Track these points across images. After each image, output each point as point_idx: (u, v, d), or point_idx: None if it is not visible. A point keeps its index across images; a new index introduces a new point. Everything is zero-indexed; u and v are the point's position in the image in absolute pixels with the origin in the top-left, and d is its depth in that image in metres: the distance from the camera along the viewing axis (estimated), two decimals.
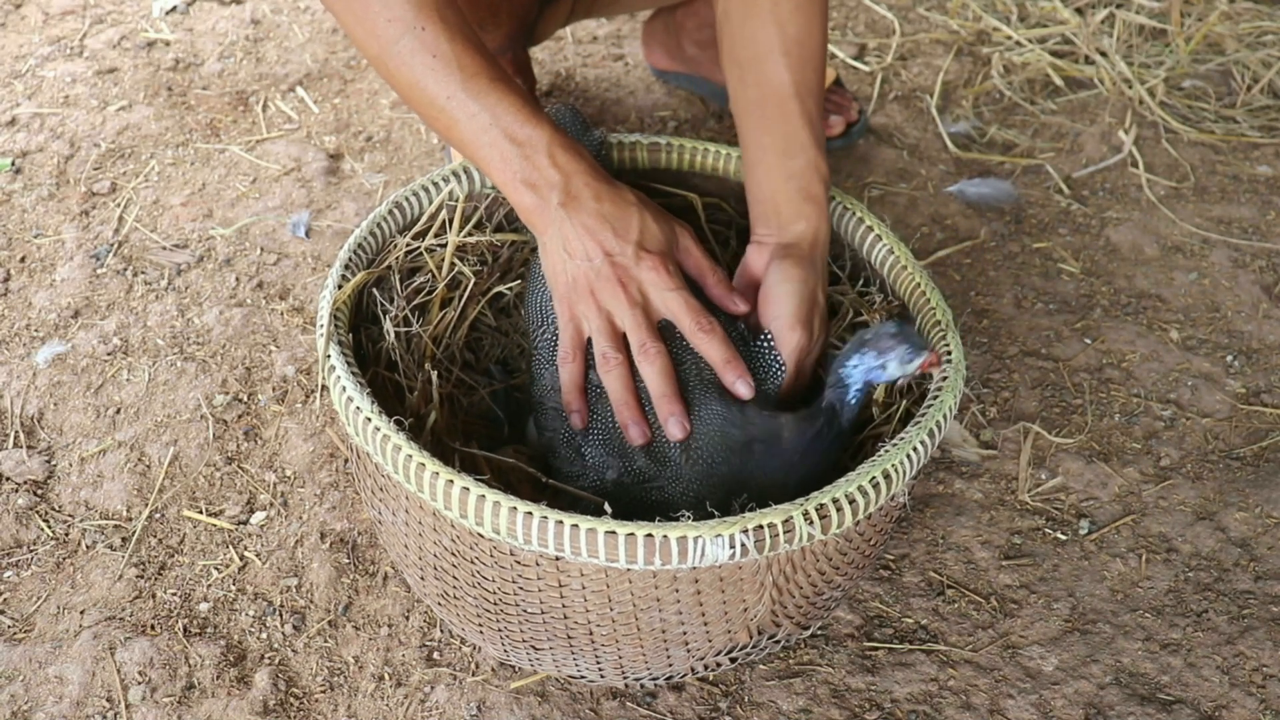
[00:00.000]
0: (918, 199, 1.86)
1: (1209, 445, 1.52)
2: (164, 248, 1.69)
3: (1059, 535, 1.41)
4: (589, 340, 1.16)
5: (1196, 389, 1.59)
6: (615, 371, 1.14)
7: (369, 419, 1.02)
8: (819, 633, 1.29)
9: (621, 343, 1.14)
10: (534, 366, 1.22)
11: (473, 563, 1.05)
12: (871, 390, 1.13)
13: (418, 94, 1.11)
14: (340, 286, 1.16)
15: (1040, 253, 1.79)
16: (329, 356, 1.09)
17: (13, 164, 1.80)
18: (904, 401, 1.19)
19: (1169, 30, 2.18)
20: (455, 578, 1.09)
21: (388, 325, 1.21)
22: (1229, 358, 1.64)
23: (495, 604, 1.09)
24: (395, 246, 1.25)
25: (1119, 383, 1.59)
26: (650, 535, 0.94)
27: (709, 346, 1.14)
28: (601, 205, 1.13)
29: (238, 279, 1.64)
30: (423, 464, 0.99)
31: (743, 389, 1.14)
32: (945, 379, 1.11)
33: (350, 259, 1.19)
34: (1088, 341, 1.65)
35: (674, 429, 1.12)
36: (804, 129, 1.24)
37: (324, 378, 1.09)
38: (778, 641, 1.17)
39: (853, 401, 1.11)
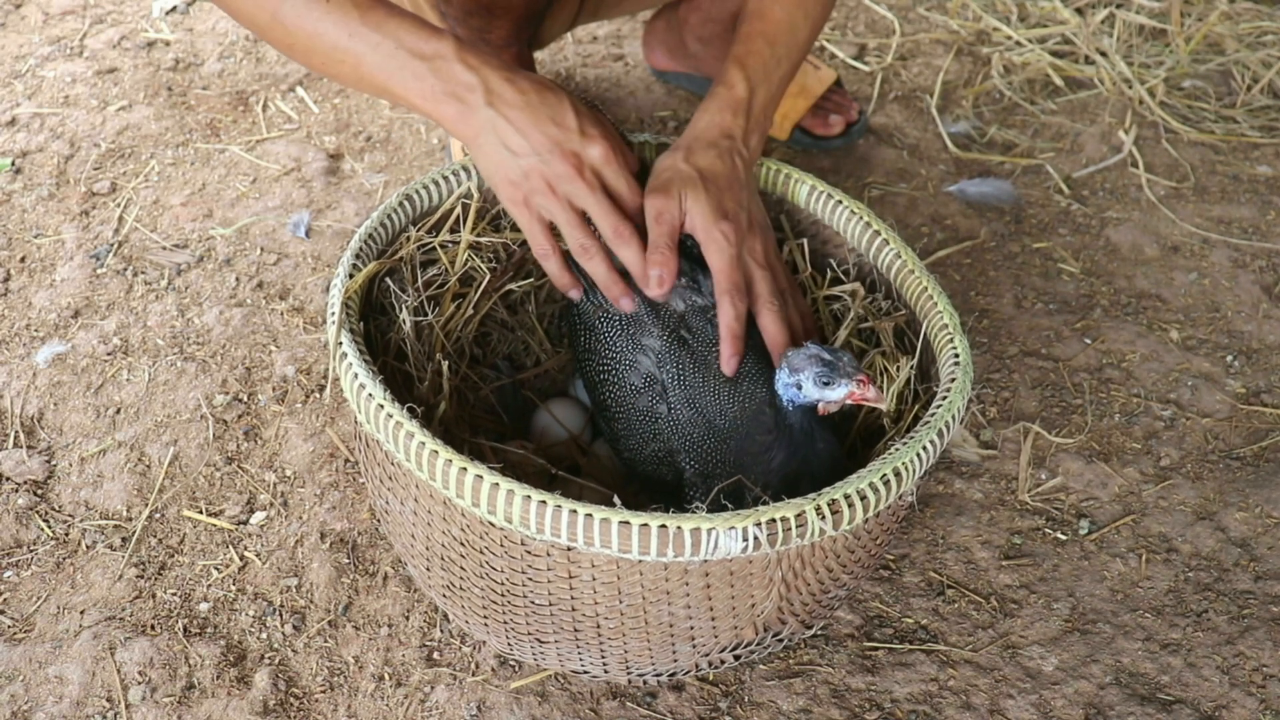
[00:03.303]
0: (918, 199, 1.86)
1: (1209, 445, 1.52)
2: (164, 248, 1.69)
3: (1059, 535, 1.41)
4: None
5: (1196, 389, 1.59)
6: (597, 258, 1.17)
7: (381, 405, 1.02)
8: (819, 633, 1.29)
9: (591, 227, 1.17)
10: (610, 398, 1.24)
11: (482, 552, 1.05)
12: (810, 409, 1.11)
13: (318, 43, 1.11)
14: (351, 275, 1.16)
15: (1040, 253, 1.79)
16: (341, 344, 1.09)
17: (13, 164, 1.80)
18: (915, 407, 1.19)
19: (1169, 30, 2.18)
20: (463, 568, 1.10)
21: (404, 313, 1.21)
22: (1229, 358, 1.64)
23: (503, 595, 1.09)
24: (408, 239, 1.25)
25: (1119, 383, 1.59)
26: (664, 526, 0.94)
27: (730, 359, 1.18)
28: (529, 97, 1.13)
29: (238, 279, 1.64)
30: (435, 451, 0.99)
31: (656, 288, 1.16)
32: (954, 381, 1.11)
33: (361, 249, 1.19)
34: (1088, 341, 1.65)
35: (654, 286, 1.15)
36: (757, 62, 1.26)
37: (335, 366, 1.09)
38: (781, 640, 1.17)
39: (789, 409, 1.11)
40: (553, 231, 1.18)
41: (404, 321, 1.21)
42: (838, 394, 1.08)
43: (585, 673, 1.19)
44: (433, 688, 1.22)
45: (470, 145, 1.16)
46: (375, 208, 1.36)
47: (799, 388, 1.09)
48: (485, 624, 1.15)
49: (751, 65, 1.27)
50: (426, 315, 1.25)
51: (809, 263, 1.35)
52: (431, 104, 1.13)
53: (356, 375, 1.06)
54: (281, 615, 1.28)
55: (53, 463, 1.41)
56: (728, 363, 1.17)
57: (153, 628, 1.25)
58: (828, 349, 1.09)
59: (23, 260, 1.66)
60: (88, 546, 1.33)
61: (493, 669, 1.23)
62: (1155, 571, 1.38)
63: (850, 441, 1.26)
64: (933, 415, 1.08)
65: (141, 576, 1.30)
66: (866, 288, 1.30)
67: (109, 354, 1.53)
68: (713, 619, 1.08)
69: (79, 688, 1.20)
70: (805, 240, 1.35)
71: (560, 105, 1.15)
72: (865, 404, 1.10)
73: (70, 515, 1.36)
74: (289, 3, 1.10)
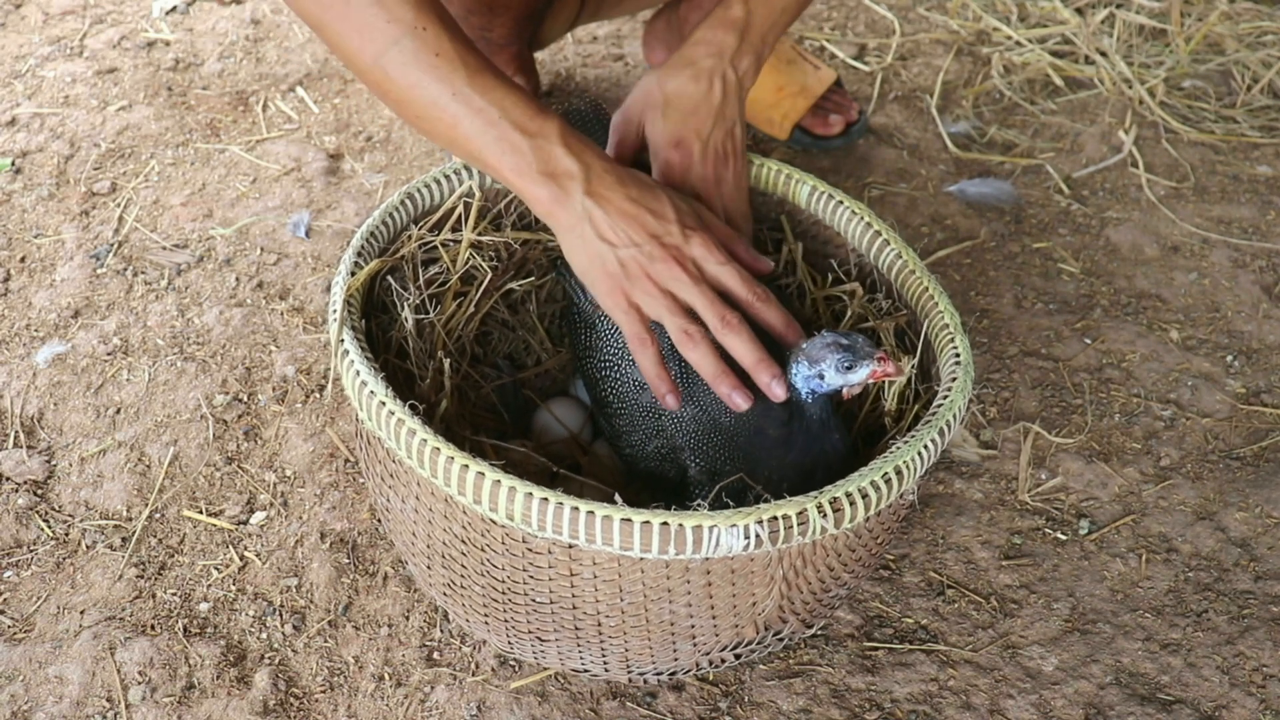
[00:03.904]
0: (918, 199, 1.86)
1: (1209, 445, 1.52)
2: (164, 248, 1.69)
3: (1059, 535, 1.41)
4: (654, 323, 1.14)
5: (1196, 389, 1.59)
6: (702, 346, 1.11)
7: (383, 402, 1.02)
8: (819, 633, 1.29)
9: (695, 317, 1.12)
10: (606, 391, 1.23)
11: (483, 550, 1.06)
12: (827, 398, 1.12)
13: (417, 94, 1.08)
14: (353, 273, 1.16)
15: (1040, 253, 1.79)
16: (342, 340, 1.09)
17: (13, 164, 1.80)
18: (915, 406, 1.19)
19: (1169, 30, 2.18)
20: (464, 566, 1.10)
21: (406, 310, 1.21)
22: (1229, 358, 1.64)
23: (503, 593, 1.09)
24: (410, 237, 1.25)
25: (1119, 383, 1.59)
26: (665, 524, 0.94)
27: (767, 313, 1.14)
28: (629, 190, 1.11)
29: (238, 279, 1.64)
30: (437, 448, 0.99)
31: (778, 390, 1.12)
32: (955, 380, 1.11)
33: (362, 247, 1.19)
34: (1088, 341, 1.65)
35: (778, 390, 1.11)
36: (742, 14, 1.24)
37: (336, 363, 1.09)
38: (782, 639, 1.17)
39: (809, 401, 1.11)
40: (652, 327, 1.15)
41: (406, 319, 1.21)
42: (860, 375, 1.08)
43: (585, 671, 1.19)
44: (433, 688, 1.22)
45: (562, 232, 1.13)
46: (375, 207, 1.36)
47: (821, 378, 1.09)
48: (486, 622, 1.15)
49: None
50: (428, 313, 1.25)
51: (809, 263, 1.35)
52: (526, 181, 1.10)
53: (358, 372, 1.06)
54: (281, 615, 1.28)
55: (53, 463, 1.41)
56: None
57: (153, 628, 1.25)
58: (841, 334, 1.09)
59: (23, 260, 1.66)
60: (88, 546, 1.33)
61: (493, 669, 1.23)
62: (1155, 571, 1.38)
63: (851, 440, 1.26)
64: (934, 414, 1.08)
65: (141, 576, 1.30)
66: (867, 288, 1.30)
67: (109, 354, 1.53)
68: (714, 617, 1.08)
69: (79, 688, 1.20)
70: (803, 242, 1.35)
71: (659, 200, 1.12)
72: (886, 379, 1.10)
73: (70, 515, 1.36)
74: (397, 46, 1.06)
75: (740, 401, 1.11)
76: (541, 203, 1.11)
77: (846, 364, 1.08)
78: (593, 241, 1.11)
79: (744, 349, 1.11)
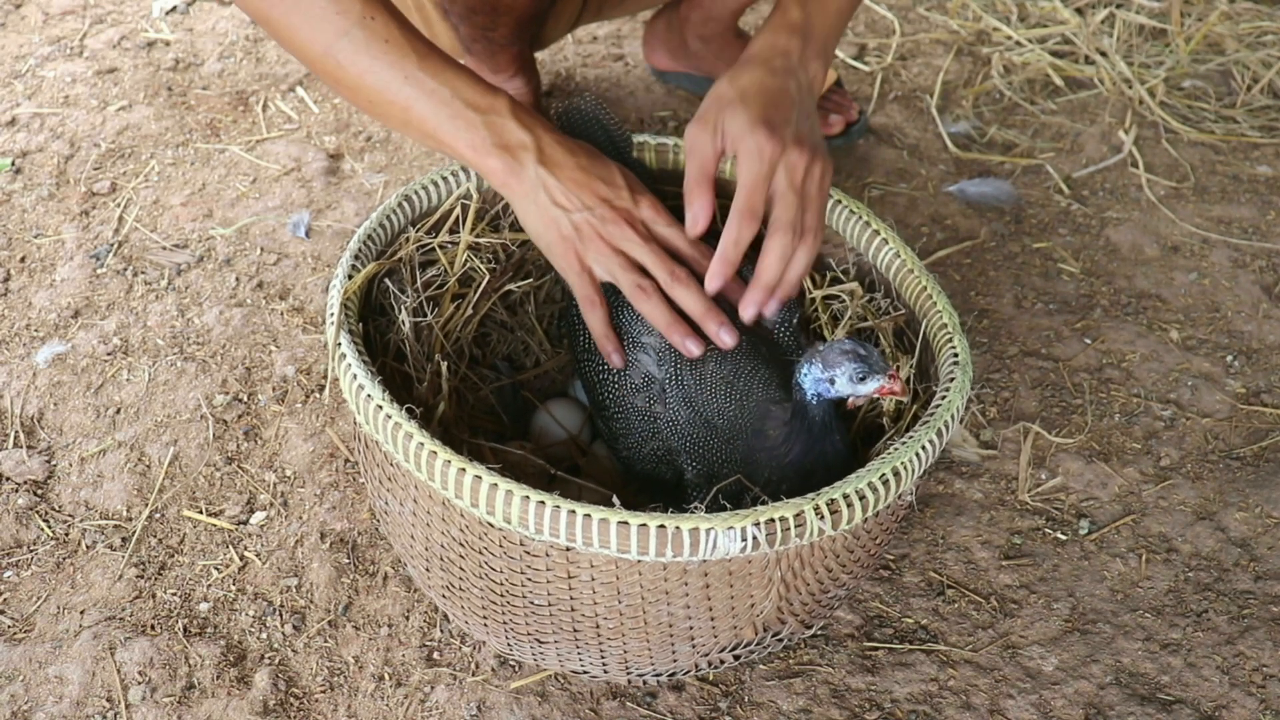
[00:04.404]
0: (918, 199, 1.86)
1: (1209, 445, 1.52)
2: (164, 248, 1.69)
3: (1059, 535, 1.41)
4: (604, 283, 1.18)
5: (1196, 389, 1.59)
6: (654, 298, 1.15)
7: (380, 406, 1.03)
8: (819, 633, 1.29)
9: (646, 274, 1.16)
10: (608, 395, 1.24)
11: (481, 553, 1.06)
12: (832, 403, 1.12)
13: (370, 80, 1.12)
14: (350, 276, 1.16)
15: (1040, 253, 1.79)
16: (339, 344, 1.09)
17: (13, 164, 1.80)
18: (914, 406, 1.19)
19: (1169, 30, 2.18)
20: (462, 569, 1.10)
21: (403, 314, 1.22)
22: (1229, 358, 1.64)
23: (502, 596, 1.09)
24: (408, 239, 1.25)
25: (1119, 383, 1.59)
26: (662, 526, 0.94)
27: (714, 278, 1.16)
28: (579, 159, 1.15)
29: (238, 279, 1.64)
30: (434, 452, 0.99)
31: (726, 337, 1.16)
32: (953, 380, 1.11)
33: (360, 249, 1.19)
34: (1088, 341, 1.65)
35: (726, 337, 1.15)
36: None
37: (334, 366, 1.09)
38: (781, 640, 1.17)
39: (814, 403, 1.11)
40: (603, 288, 1.19)
41: (403, 322, 1.21)
42: (869, 388, 1.09)
43: (585, 673, 1.19)
44: (433, 688, 1.22)
45: (516, 200, 1.16)
46: (375, 208, 1.36)
47: (832, 383, 1.09)
48: (485, 624, 1.15)
49: None
50: (426, 316, 1.25)
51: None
52: (481, 155, 1.14)
53: (355, 376, 1.06)
54: (281, 615, 1.28)
55: (53, 463, 1.41)
56: (710, 282, 1.15)
57: (153, 628, 1.25)
58: (860, 344, 1.09)
59: (23, 260, 1.66)
60: (88, 546, 1.33)
61: (493, 669, 1.23)
62: (1155, 571, 1.38)
63: (849, 441, 1.26)
64: (932, 414, 1.08)
65: (141, 576, 1.30)
66: (866, 287, 1.30)
67: (109, 354, 1.53)
68: (712, 619, 1.08)
69: (79, 688, 1.20)
70: None
71: (609, 168, 1.17)
72: (891, 396, 1.11)
73: (70, 515, 1.36)
74: (348, 36, 1.10)
75: (693, 348, 1.16)
76: (497, 174, 1.15)
77: (860, 375, 1.08)
78: (547, 208, 1.15)
79: (691, 300, 1.15)
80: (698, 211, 1.17)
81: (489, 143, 1.13)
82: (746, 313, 1.17)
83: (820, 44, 1.23)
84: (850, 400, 1.12)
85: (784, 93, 1.18)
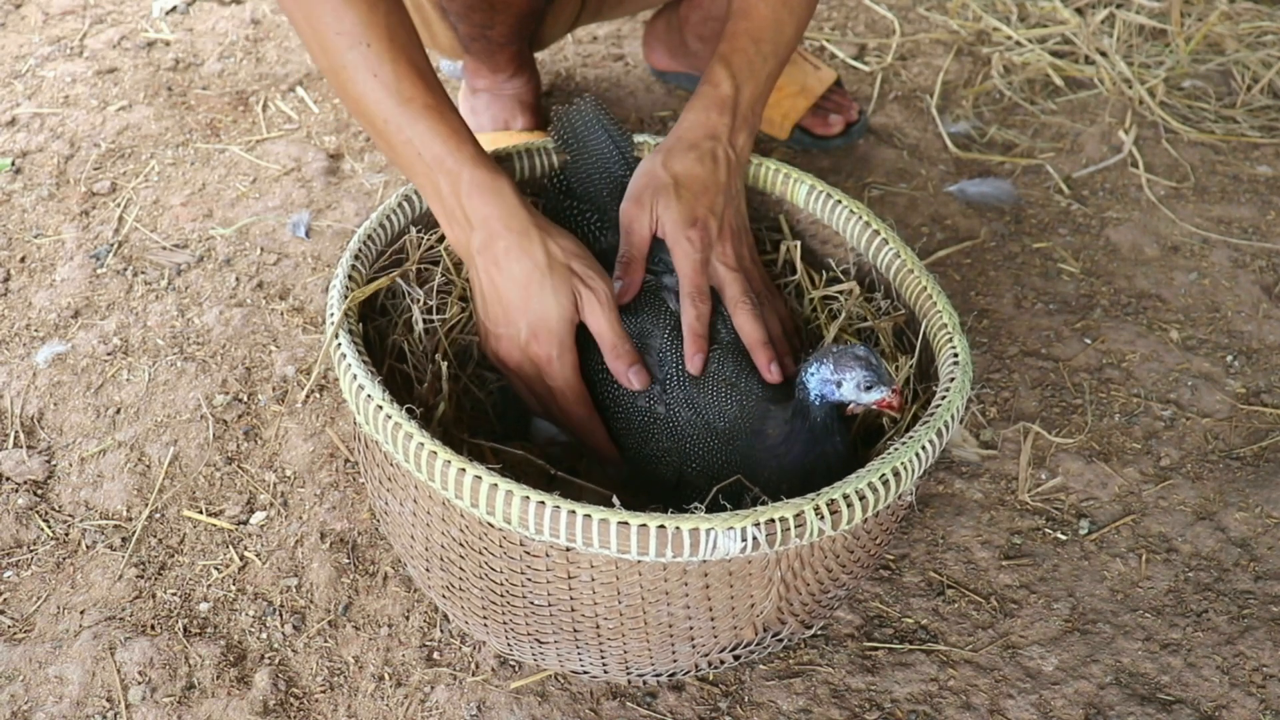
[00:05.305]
0: (918, 199, 1.86)
1: (1209, 445, 1.52)
2: (164, 248, 1.69)
3: (1059, 535, 1.41)
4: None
5: (1196, 389, 1.59)
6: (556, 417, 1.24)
7: (380, 406, 1.03)
8: (819, 633, 1.29)
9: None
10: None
11: (481, 554, 1.06)
12: (836, 407, 1.12)
13: (363, 108, 1.14)
14: (350, 278, 1.16)
15: (1040, 253, 1.79)
16: (339, 345, 1.09)
17: (13, 164, 1.80)
18: (914, 406, 1.19)
19: (1169, 30, 2.18)
20: (462, 569, 1.10)
21: (417, 314, 1.23)
22: (1229, 358, 1.64)
23: (502, 596, 1.09)
24: (412, 242, 1.25)
25: (1119, 383, 1.59)
26: (662, 526, 0.94)
27: (693, 358, 1.21)
28: (502, 272, 1.15)
29: (238, 279, 1.64)
30: (434, 452, 0.99)
31: (634, 380, 1.19)
32: (953, 380, 1.11)
33: (360, 250, 1.19)
34: (1088, 341, 1.65)
35: (633, 380, 1.20)
36: (743, 63, 1.28)
37: (335, 367, 1.09)
38: (781, 640, 1.17)
39: (816, 404, 1.11)
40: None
41: (416, 321, 1.22)
42: (872, 398, 1.09)
43: (585, 673, 1.19)
44: (433, 688, 1.22)
45: (466, 267, 1.21)
46: (375, 208, 1.36)
47: (839, 386, 1.09)
48: (485, 624, 1.15)
49: (737, 63, 1.28)
50: (433, 318, 1.25)
51: (807, 262, 1.35)
52: (439, 217, 1.18)
53: (355, 376, 1.06)
54: (281, 615, 1.28)
55: (53, 463, 1.41)
56: (691, 360, 1.19)
57: (153, 628, 1.25)
58: (872, 352, 1.10)
59: (23, 260, 1.66)
60: (88, 546, 1.33)
61: (493, 669, 1.23)
62: (1155, 571, 1.38)
63: (849, 441, 1.26)
64: (932, 415, 1.08)
65: (141, 576, 1.30)
66: (865, 287, 1.30)
67: (109, 354, 1.53)
68: (712, 619, 1.08)
69: (79, 688, 1.20)
70: (801, 241, 1.35)
71: (527, 295, 1.15)
72: (889, 411, 1.12)
73: (70, 515, 1.36)
74: (345, 57, 1.12)
75: (635, 380, 1.19)
76: (451, 239, 1.19)
77: (868, 383, 1.08)
78: (480, 296, 1.19)
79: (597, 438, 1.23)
80: (627, 285, 1.22)
81: (442, 211, 1.17)
82: (772, 374, 1.20)
83: (747, 116, 1.29)
84: (851, 406, 1.12)
85: (713, 180, 1.24)
